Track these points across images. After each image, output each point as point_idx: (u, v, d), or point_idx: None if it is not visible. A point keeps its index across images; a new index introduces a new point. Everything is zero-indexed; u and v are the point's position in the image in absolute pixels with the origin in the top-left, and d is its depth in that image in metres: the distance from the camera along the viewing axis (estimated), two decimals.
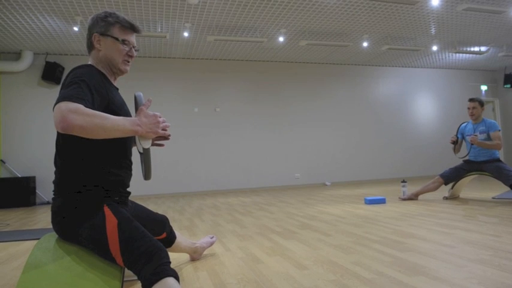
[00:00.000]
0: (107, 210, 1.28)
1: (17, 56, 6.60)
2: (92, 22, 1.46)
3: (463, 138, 4.29)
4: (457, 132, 4.33)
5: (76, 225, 1.29)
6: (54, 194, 1.36)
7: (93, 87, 1.30)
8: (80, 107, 1.16)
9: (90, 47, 1.47)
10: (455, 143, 4.30)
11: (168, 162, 7.08)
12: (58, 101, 1.18)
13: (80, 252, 1.29)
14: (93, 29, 1.45)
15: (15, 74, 6.58)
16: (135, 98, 1.44)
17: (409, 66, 9.05)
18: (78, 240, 1.31)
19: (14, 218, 4.52)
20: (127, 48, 1.48)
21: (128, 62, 1.50)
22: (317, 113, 8.22)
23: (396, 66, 8.97)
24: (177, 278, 1.16)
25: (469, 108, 4.19)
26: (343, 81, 8.51)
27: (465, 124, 4.32)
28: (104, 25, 1.44)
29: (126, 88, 7.06)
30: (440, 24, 6.28)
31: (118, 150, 1.40)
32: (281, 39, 6.51)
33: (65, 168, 1.33)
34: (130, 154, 1.50)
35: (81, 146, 1.32)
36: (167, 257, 1.20)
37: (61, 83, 1.35)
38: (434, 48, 7.50)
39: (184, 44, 6.65)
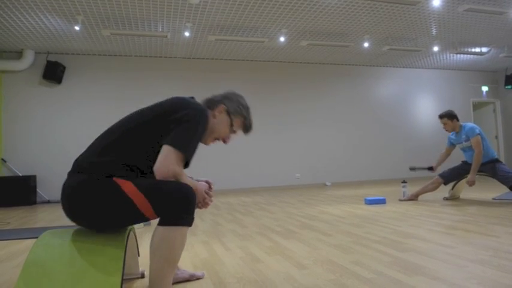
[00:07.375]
0: (116, 179, 1.36)
1: (18, 55, 6.61)
2: (230, 97, 1.63)
3: (453, 145, 4.30)
4: (448, 143, 4.33)
5: (92, 203, 1.33)
6: (76, 171, 1.39)
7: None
8: (182, 173, 1.38)
9: (211, 107, 1.61)
10: (431, 169, 4.34)
11: None
12: (174, 143, 1.35)
13: (80, 250, 1.29)
14: (225, 101, 1.61)
15: (17, 73, 6.59)
16: None
17: (410, 67, 9.04)
18: (88, 220, 1.35)
19: (15, 217, 4.53)
20: (229, 136, 1.65)
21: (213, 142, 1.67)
22: (318, 113, 8.22)
23: (397, 67, 8.97)
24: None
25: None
26: (343, 82, 8.51)
27: (452, 133, 4.33)
28: (237, 110, 1.62)
29: (126, 88, 7.08)
30: (442, 25, 6.28)
31: (153, 157, 1.43)
32: (282, 39, 6.52)
33: (109, 152, 1.40)
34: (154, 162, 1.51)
35: (137, 142, 1.41)
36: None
37: (179, 105, 1.47)
38: (435, 48, 7.49)
39: (185, 43, 6.65)
